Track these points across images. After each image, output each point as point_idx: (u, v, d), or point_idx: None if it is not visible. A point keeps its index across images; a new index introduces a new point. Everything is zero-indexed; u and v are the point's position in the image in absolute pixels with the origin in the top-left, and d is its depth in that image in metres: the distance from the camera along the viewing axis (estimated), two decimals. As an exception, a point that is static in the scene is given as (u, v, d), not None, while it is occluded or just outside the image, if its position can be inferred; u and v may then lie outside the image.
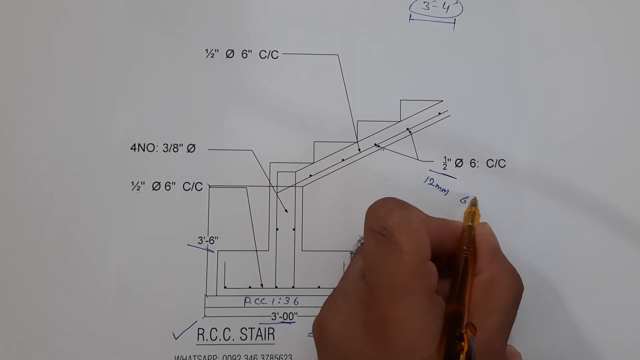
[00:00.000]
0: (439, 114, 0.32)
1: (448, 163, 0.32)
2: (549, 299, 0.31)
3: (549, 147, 0.32)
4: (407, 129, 0.32)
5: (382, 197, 0.31)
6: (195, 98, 0.32)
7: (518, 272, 0.28)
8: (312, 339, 0.30)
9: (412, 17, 0.33)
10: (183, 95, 0.32)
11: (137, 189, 0.31)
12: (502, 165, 0.32)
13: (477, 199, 0.31)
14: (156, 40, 0.32)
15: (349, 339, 0.23)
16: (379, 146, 0.32)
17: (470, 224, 0.28)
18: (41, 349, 0.30)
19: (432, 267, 0.24)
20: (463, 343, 0.21)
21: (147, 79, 0.32)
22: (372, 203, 0.27)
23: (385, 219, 0.25)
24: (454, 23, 0.33)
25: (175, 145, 0.32)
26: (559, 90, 0.33)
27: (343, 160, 0.32)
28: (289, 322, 0.31)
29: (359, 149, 0.32)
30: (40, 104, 0.32)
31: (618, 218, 0.32)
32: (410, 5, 0.33)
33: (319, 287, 0.31)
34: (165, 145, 0.32)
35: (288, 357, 0.31)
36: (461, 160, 0.32)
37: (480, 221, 0.29)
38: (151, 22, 0.32)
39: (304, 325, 0.31)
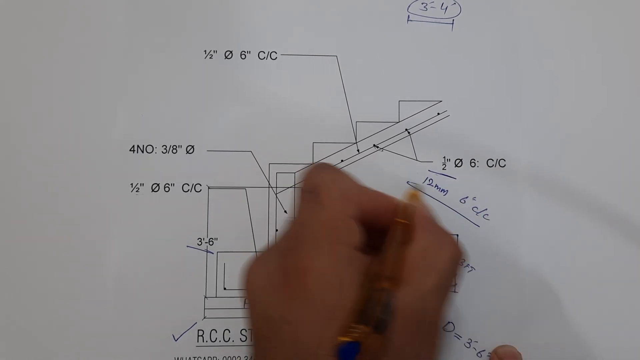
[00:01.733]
0: (438, 114, 0.32)
1: (447, 163, 0.32)
2: (549, 299, 0.31)
3: (548, 147, 0.32)
4: (406, 129, 0.32)
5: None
6: (194, 99, 0.32)
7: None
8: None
9: (410, 19, 0.33)
10: (182, 97, 0.32)
11: (136, 190, 0.31)
12: (502, 165, 0.32)
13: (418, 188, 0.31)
14: (155, 41, 0.32)
15: (267, 290, 0.23)
16: (377, 147, 0.32)
17: (408, 200, 0.28)
18: (41, 349, 0.30)
19: (354, 225, 0.24)
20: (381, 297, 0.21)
21: (146, 80, 0.32)
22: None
23: (315, 179, 0.25)
24: (452, 24, 0.33)
25: (174, 147, 0.32)
26: (558, 90, 0.33)
27: (342, 161, 0.32)
28: (289, 323, 0.31)
29: (358, 150, 0.32)
30: (40, 105, 0.32)
31: (618, 218, 0.32)
32: (408, 6, 0.33)
33: (318, 288, 0.31)
34: (164, 147, 0.32)
35: (288, 358, 0.31)
36: (461, 160, 0.32)
37: None
38: (150, 23, 0.32)
39: (304, 326, 0.31)
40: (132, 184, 0.31)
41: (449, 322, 0.31)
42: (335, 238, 0.23)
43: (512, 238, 0.31)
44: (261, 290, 0.23)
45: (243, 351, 0.31)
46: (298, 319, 0.22)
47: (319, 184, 0.25)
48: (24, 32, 0.32)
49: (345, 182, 0.25)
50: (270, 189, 0.32)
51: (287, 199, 0.31)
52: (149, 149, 0.32)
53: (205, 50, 0.32)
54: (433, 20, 0.33)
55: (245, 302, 0.25)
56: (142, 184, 0.31)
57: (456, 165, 0.32)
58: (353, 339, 0.20)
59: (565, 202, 0.32)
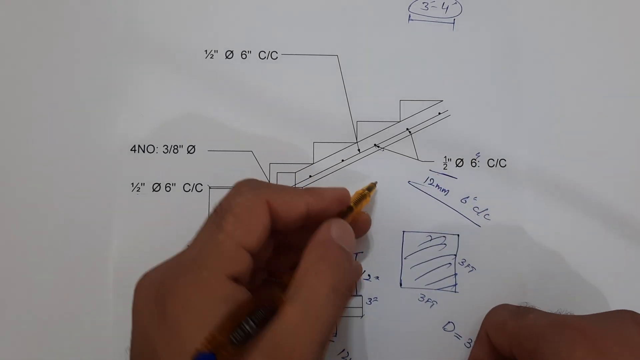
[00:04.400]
0: (439, 113, 0.32)
1: (448, 163, 0.32)
2: (550, 299, 0.31)
3: (549, 147, 0.32)
4: (407, 129, 0.32)
5: (382, 198, 0.31)
6: (195, 99, 0.32)
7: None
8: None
9: (411, 18, 0.33)
10: (183, 97, 0.32)
11: (137, 190, 0.31)
12: (503, 165, 0.32)
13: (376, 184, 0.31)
14: (156, 41, 0.32)
15: (142, 306, 0.23)
16: (378, 146, 0.32)
17: (351, 205, 0.28)
18: (41, 349, 0.30)
19: (241, 255, 0.23)
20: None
21: (147, 80, 0.32)
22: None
23: (228, 199, 0.24)
24: (453, 23, 0.33)
25: (175, 147, 0.32)
26: (559, 90, 0.33)
27: (343, 160, 0.32)
28: (289, 323, 0.31)
29: (359, 150, 0.32)
30: (42, 106, 0.32)
31: (618, 218, 0.32)
32: (410, 5, 0.33)
33: (319, 287, 0.31)
34: (165, 147, 0.32)
35: (288, 358, 0.31)
36: (462, 160, 0.32)
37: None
38: (151, 23, 0.33)
39: (304, 325, 0.31)
40: (133, 183, 0.31)
41: (449, 322, 0.31)
42: (212, 266, 0.23)
43: (513, 238, 0.31)
44: (139, 305, 0.23)
45: (244, 350, 0.31)
46: (158, 338, 0.22)
47: (227, 207, 0.24)
48: (24, 32, 0.32)
49: (257, 204, 0.24)
50: (271, 188, 0.32)
51: (288, 198, 0.31)
52: (150, 148, 0.32)
53: (206, 50, 0.32)
54: (434, 19, 0.33)
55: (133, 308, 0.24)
56: (143, 184, 0.31)
57: (457, 165, 0.32)
58: (208, 350, 0.20)
59: (566, 202, 0.32)
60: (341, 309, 0.23)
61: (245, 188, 0.25)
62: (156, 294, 0.22)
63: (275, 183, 0.31)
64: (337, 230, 0.25)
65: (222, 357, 0.20)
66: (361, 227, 0.30)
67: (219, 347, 0.20)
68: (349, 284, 0.24)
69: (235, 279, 0.23)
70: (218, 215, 0.24)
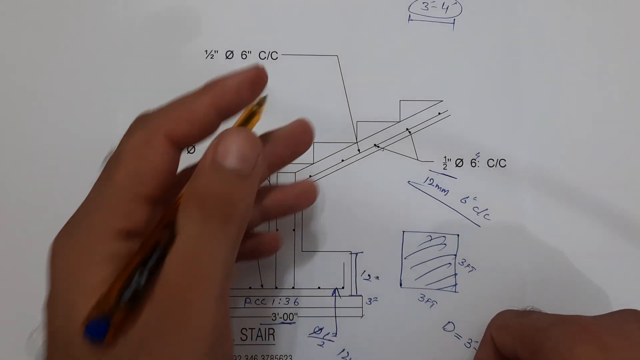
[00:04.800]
0: (439, 114, 0.32)
1: (448, 163, 0.32)
2: (550, 299, 0.31)
3: (549, 146, 0.32)
4: (407, 129, 0.32)
5: (382, 198, 0.31)
6: (195, 99, 0.32)
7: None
8: (313, 339, 0.31)
9: (411, 18, 0.33)
10: (183, 97, 0.32)
11: (137, 190, 0.31)
12: (503, 165, 0.32)
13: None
14: (156, 41, 0.32)
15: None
16: (378, 146, 0.32)
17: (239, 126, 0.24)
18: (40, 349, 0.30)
19: (137, 207, 0.21)
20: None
21: (147, 80, 0.32)
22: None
23: (120, 144, 0.22)
24: (453, 23, 0.33)
25: (175, 147, 0.32)
26: (559, 90, 0.33)
27: (343, 160, 0.32)
28: (289, 323, 0.31)
29: (359, 150, 0.32)
30: (41, 105, 0.32)
31: (618, 218, 0.32)
32: (410, 5, 0.33)
33: (319, 287, 0.31)
34: (165, 147, 0.32)
35: (288, 358, 0.31)
36: (461, 160, 0.32)
37: None
38: (151, 23, 0.33)
39: (304, 325, 0.31)
40: (133, 183, 0.31)
41: (449, 322, 0.31)
42: (96, 224, 0.21)
43: (513, 238, 0.31)
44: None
45: (243, 350, 0.31)
46: (49, 312, 0.20)
47: (117, 154, 0.21)
48: (24, 32, 0.32)
49: (150, 142, 0.21)
50: (271, 188, 0.32)
51: (288, 198, 0.31)
52: (150, 148, 0.32)
53: (206, 51, 0.32)
54: (434, 19, 0.33)
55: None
56: (143, 184, 0.31)
57: (457, 165, 0.32)
58: (100, 314, 0.18)
59: (566, 202, 0.32)
60: (223, 238, 0.20)
61: (136, 126, 0.22)
62: (48, 261, 0.21)
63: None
64: (212, 151, 0.21)
65: (115, 320, 0.18)
66: None
67: (110, 310, 0.18)
68: (221, 206, 0.20)
69: (129, 233, 0.21)
70: (109, 165, 0.21)
